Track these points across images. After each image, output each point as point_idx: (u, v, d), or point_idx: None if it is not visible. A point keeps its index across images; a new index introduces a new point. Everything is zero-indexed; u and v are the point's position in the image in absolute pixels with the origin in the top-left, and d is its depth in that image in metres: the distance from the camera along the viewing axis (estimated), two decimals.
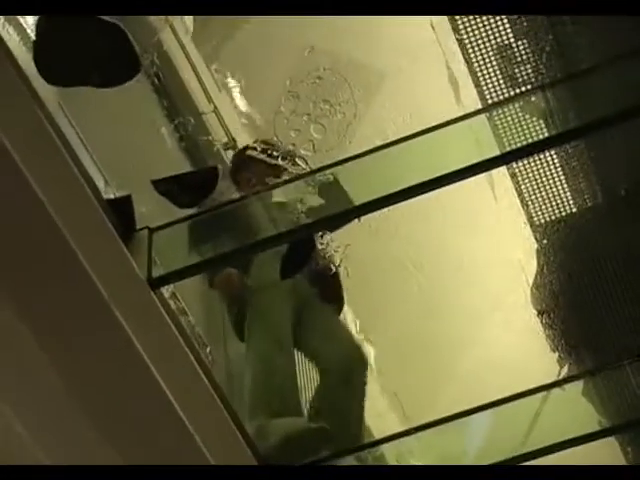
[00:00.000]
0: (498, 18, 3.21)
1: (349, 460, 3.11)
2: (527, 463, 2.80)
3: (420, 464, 3.06)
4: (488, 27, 3.26)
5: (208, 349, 2.67)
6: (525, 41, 3.29)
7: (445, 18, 3.22)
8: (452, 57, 3.41)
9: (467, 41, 3.26)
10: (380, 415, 4.00)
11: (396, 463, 3.14)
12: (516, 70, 3.27)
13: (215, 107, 3.76)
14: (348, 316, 3.97)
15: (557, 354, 3.76)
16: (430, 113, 3.39)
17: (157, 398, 2.15)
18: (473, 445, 3.08)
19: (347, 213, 2.45)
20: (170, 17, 3.31)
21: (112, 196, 2.25)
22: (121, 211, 2.21)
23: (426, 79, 3.55)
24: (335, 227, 2.94)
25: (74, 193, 2.06)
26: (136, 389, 2.16)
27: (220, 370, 2.95)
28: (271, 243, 2.46)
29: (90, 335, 2.08)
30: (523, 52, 3.27)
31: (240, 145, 3.74)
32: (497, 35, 3.27)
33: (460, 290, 3.92)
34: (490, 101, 3.32)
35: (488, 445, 3.02)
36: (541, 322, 3.77)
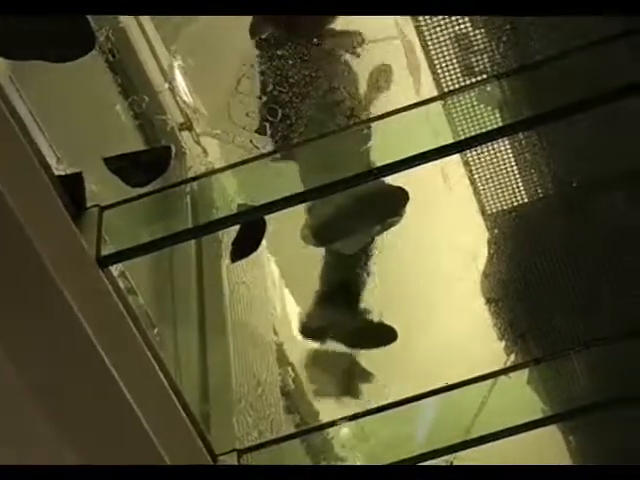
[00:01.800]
0: None
1: (296, 444, 3.12)
2: (472, 449, 2.83)
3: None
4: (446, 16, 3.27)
5: (156, 330, 2.66)
6: (483, 30, 3.30)
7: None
8: (410, 45, 3.42)
9: (425, 29, 3.27)
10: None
11: (343, 447, 3.16)
12: (473, 59, 3.28)
13: (171, 86, 3.72)
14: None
15: (504, 343, 3.79)
16: (387, 99, 3.41)
17: (104, 379, 2.15)
18: (420, 430, 3.10)
19: (297, 197, 2.45)
20: None
21: (63, 173, 2.24)
22: (71, 188, 2.19)
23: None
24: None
25: (24, 169, 2.04)
26: (82, 369, 2.15)
27: (168, 351, 2.94)
28: (222, 225, 2.46)
29: (36, 313, 2.06)
30: (480, 41, 3.29)
31: (195, 125, 3.72)
32: (455, 24, 3.28)
33: (410, 277, 3.93)
34: (446, 89, 3.32)
35: (435, 431, 3.05)
36: (489, 310, 3.80)
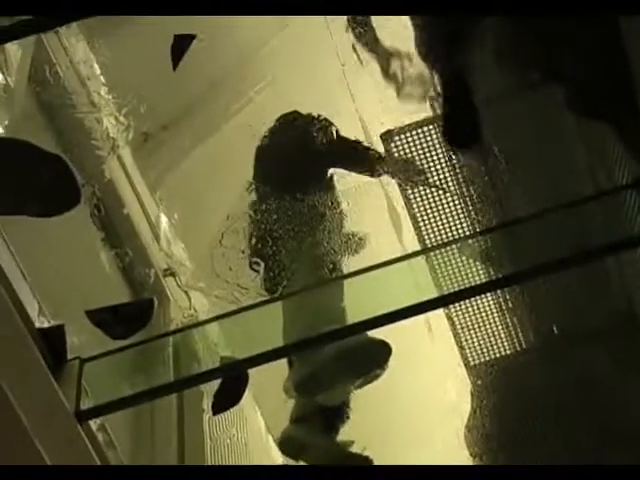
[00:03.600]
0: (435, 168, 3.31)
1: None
2: None
3: None
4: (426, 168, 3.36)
5: None
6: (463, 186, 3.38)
7: None
8: (393, 200, 3.49)
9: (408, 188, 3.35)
10: None
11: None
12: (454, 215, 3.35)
13: (156, 235, 3.76)
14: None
15: None
16: (372, 251, 3.45)
17: None
18: None
19: (281, 350, 2.44)
20: (116, 145, 3.34)
21: (45, 325, 2.23)
22: (53, 341, 2.18)
23: (368, 216, 3.60)
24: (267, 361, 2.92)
25: (4, 320, 2.03)
26: None
27: None
28: (205, 379, 2.44)
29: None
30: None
31: (179, 273, 3.74)
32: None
33: (392, 428, 3.89)
34: (429, 244, 3.38)
35: None
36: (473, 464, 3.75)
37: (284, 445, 3.66)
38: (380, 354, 3.38)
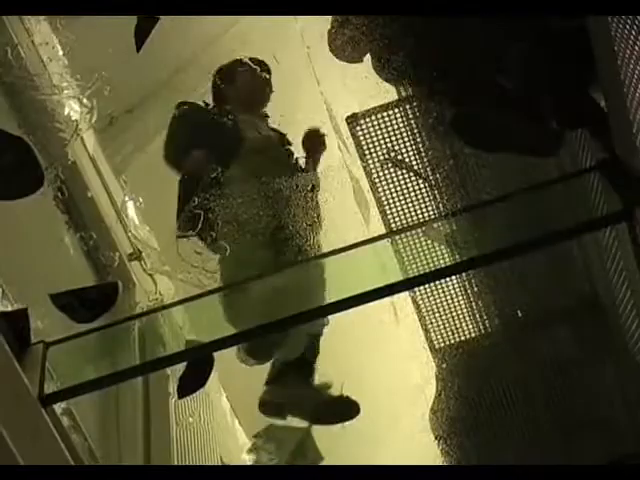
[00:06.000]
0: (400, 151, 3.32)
1: None
2: None
3: None
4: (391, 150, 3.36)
5: None
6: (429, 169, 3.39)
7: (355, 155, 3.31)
8: (359, 182, 3.49)
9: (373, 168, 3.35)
10: None
11: None
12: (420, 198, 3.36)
13: (121, 218, 3.73)
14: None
15: None
16: (338, 235, 3.45)
17: None
18: None
19: (247, 334, 2.44)
20: (80, 128, 3.31)
21: (8, 308, 2.21)
22: (16, 324, 2.16)
23: (335, 204, 3.60)
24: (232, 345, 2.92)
25: None
26: None
27: None
28: (170, 362, 2.44)
29: None
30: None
31: (145, 256, 3.72)
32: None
33: (360, 415, 3.89)
34: (395, 227, 3.38)
35: None
36: (438, 447, 3.77)
37: (265, 411, 3.64)
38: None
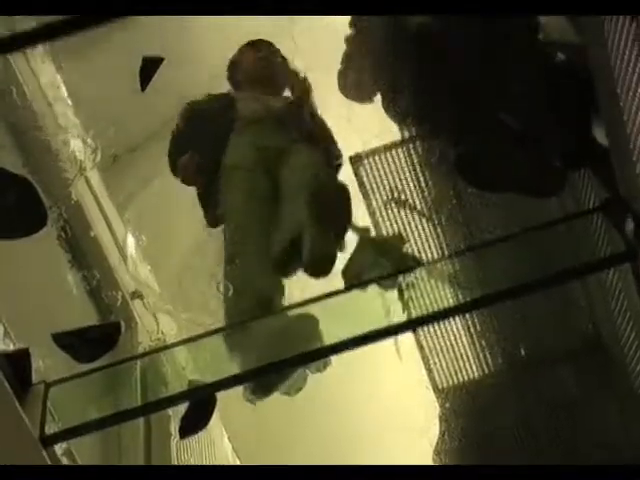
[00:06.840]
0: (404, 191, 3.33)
1: None
2: None
3: None
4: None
5: None
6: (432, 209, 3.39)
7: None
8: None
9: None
10: None
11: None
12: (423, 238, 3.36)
13: (123, 257, 3.74)
14: None
15: None
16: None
17: None
18: None
19: (249, 374, 2.43)
20: (84, 167, 3.32)
21: (10, 348, 2.20)
22: (17, 364, 2.15)
23: None
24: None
25: None
26: None
27: None
28: (172, 402, 2.42)
29: None
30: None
31: (146, 296, 3.71)
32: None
33: (362, 454, 3.87)
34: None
35: None
36: None
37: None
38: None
